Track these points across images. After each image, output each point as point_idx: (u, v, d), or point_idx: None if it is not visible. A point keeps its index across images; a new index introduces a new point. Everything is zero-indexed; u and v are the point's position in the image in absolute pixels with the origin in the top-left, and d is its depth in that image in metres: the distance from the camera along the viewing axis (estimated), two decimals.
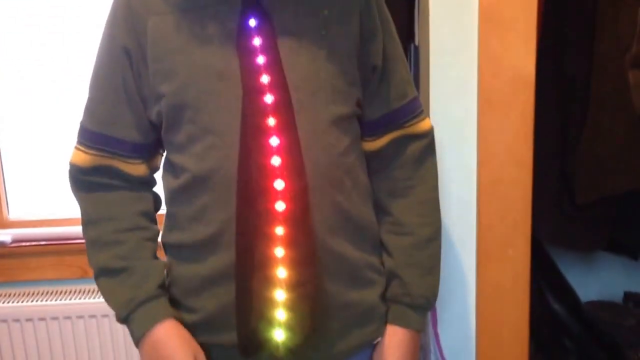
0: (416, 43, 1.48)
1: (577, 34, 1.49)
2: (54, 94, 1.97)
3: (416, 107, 1.20)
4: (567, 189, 1.56)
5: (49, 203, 2.04)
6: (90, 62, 1.16)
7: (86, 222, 1.17)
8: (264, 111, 1.05)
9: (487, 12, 1.32)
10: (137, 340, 1.12)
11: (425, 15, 1.36)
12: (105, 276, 1.14)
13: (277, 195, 1.05)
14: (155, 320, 1.10)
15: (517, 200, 1.41)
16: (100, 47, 1.15)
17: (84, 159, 1.14)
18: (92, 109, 1.15)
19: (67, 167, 1.17)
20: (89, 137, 1.15)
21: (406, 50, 1.48)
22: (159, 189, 1.21)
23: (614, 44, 1.45)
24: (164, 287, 1.15)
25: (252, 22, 1.07)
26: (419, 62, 1.47)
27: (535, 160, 1.40)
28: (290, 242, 1.06)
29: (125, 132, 1.14)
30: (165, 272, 1.17)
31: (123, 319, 1.13)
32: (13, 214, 2.06)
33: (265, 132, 1.05)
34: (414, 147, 1.19)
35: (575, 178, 1.54)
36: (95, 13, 1.91)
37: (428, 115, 1.33)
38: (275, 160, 1.05)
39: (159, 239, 1.19)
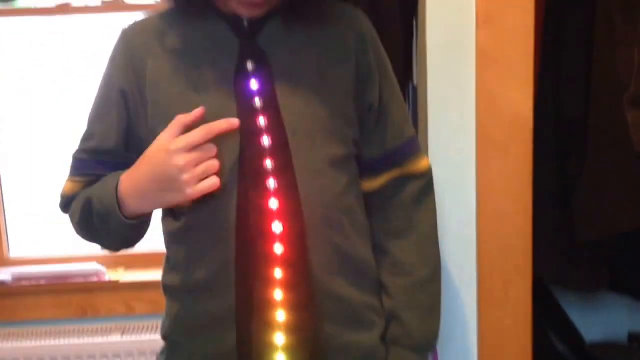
0: (414, 83, 1.49)
1: (575, 74, 1.49)
2: (57, 137, 1.99)
3: (414, 146, 1.21)
4: (568, 228, 1.55)
5: (50, 240, 2.04)
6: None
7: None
8: (261, 154, 1.07)
9: (484, 53, 1.33)
10: (119, 210, 1.07)
11: (423, 56, 1.37)
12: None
13: (275, 237, 1.06)
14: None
15: (518, 241, 1.40)
16: (100, 85, 1.18)
17: (71, 188, 1.17)
18: (83, 143, 1.18)
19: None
20: (76, 165, 1.18)
21: (405, 90, 1.49)
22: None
23: (612, 84, 1.46)
24: None
25: (250, 66, 1.10)
26: (417, 102, 1.48)
27: (535, 200, 1.39)
28: (289, 285, 1.06)
29: (111, 166, 1.15)
30: None
31: (104, 212, 1.09)
32: (14, 252, 2.06)
33: (263, 175, 1.06)
34: (413, 187, 1.19)
35: (576, 217, 1.53)
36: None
37: (427, 155, 1.34)
38: (273, 203, 1.06)
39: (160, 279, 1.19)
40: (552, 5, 1.48)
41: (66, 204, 1.19)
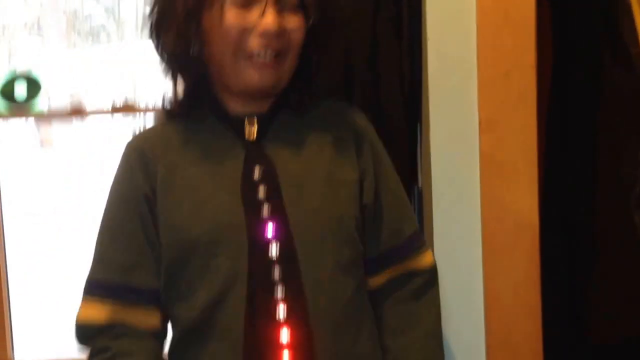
0: (419, 185, 1.50)
1: (580, 177, 1.49)
2: (65, 235, 2.00)
3: (414, 244, 1.20)
4: (580, 333, 1.51)
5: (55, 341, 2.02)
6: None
7: None
8: (269, 262, 1.06)
9: (488, 158, 1.34)
10: None
11: (427, 161, 1.38)
12: None
13: (283, 345, 1.04)
14: None
15: (528, 348, 1.36)
16: (113, 200, 1.15)
17: (99, 313, 1.10)
18: (107, 259, 1.13)
19: (75, 329, 1.11)
20: (104, 287, 1.11)
21: (410, 192, 1.49)
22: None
23: (618, 186, 1.45)
24: None
25: (257, 173, 1.10)
26: (422, 204, 1.48)
27: (544, 305, 1.36)
28: None
29: (144, 279, 1.11)
30: None
31: None
32: (18, 355, 2.03)
33: (270, 283, 1.06)
34: (414, 283, 1.17)
35: (588, 322, 1.49)
36: None
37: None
38: (280, 310, 1.05)
39: None
40: (554, 110, 1.50)
41: (88, 333, 1.10)
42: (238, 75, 1.09)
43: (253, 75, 1.08)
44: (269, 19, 1.04)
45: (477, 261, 1.35)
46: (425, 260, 1.20)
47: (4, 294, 1.94)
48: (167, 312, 1.14)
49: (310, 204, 1.10)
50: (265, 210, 1.08)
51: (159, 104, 1.18)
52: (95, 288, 1.12)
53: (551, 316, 1.40)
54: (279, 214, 1.08)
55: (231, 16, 1.05)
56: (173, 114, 1.17)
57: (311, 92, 1.16)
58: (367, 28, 1.44)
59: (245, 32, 1.05)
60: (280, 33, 1.06)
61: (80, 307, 1.12)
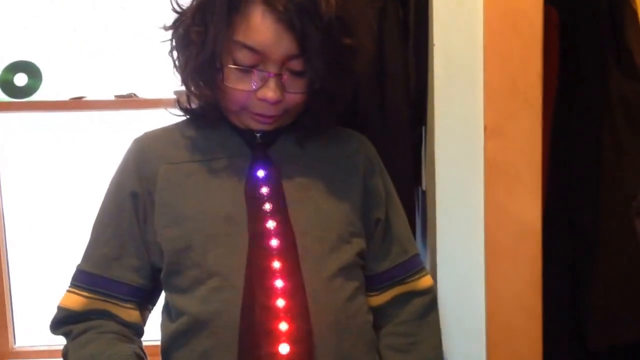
0: (423, 188, 1.50)
1: (583, 183, 1.50)
2: (65, 228, 2.00)
3: (417, 264, 1.24)
4: (579, 337, 1.53)
5: None
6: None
7: None
8: (269, 254, 1.08)
9: (493, 164, 1.34)
10: None
11: (432, 163, 1.38)
12: None
13: (281, 337, 1.05)
14: None
15: (529, 350, 1.37)
16: (108, 192, 1.18)
17: (77, 301, 1.13)
18: (92, 252, 1.16)
19: (55, 312, 1.15)
20: (85, 279, 1.15)
21: (414, 194, 1.50)
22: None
23: (620, 194, 1.46)
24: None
25: (261, 173, 1.13)
26: (426, 206, 1.49)
27: (546, 309, 1.37)
28: None
29: (124, 275, 1.14)
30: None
31: None
32: (19, 342, 2.04)
33: (271, 275, 1.07)
34: (417, 303, 1.21)
35: (587, 327, 1.51)
36: None
37: (435, 263, 1.34)
38: (280, 302, 1.06)
39: None
40: (559, 117, 1.50)
41: (65, 320, 1.14)
42: (242, 121, 1.14)
43: (255, 125, 1.13)
44: (269, 94, 1.07)
45: (479, 265, 1.35)
46: (426, 281, 1.23)
47: (5, 282, 1.95)
48: (145, 312, 1.18)
49: (311, 204, 1.13)
50: (267, 206, 1.10)
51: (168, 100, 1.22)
52: (77, 279, 1.15)
53: (552, 323, 1.41)
54: (280, 211, 1.10)
55: (232, 80, 1.07)
56: (188, 114, 1.19)
57: (321, 121, 1.17)
58: (373, 30, 1.44)
59: (246, 94, 1.08)
60: (281, 100, 1.08)
61: (64, 295, 1.15)
